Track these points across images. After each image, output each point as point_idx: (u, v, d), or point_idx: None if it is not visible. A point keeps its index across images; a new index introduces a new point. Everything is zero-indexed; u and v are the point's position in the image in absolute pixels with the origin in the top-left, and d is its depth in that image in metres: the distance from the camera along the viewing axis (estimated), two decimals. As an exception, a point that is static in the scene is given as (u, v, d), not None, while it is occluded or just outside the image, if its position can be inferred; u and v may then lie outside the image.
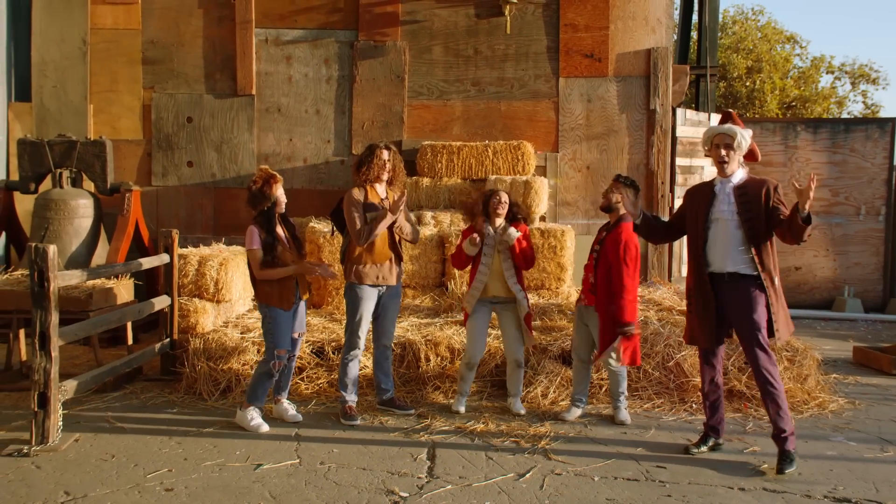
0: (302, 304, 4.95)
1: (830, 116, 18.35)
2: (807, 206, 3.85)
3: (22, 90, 8.77)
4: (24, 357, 5.94)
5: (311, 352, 5.69)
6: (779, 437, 4.13)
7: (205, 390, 5.43)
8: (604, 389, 5.41)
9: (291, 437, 4.62)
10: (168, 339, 5.94)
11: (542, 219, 8.02)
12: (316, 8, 8.67)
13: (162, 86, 8.73)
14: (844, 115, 19.43)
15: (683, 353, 5.49)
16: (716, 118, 9.39)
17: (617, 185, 4.85)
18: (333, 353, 5.63)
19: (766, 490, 3.88)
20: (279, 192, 4.76)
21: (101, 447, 4.40)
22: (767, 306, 4.12)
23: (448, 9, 8.61)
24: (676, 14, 10.91)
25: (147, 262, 5.88)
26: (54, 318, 4.34)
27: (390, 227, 4.94)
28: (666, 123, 8.57)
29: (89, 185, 7.56)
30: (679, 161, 8.89)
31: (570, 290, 7.23)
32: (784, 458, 4.11)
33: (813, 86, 19.06)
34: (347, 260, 4.97)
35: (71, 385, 4.55)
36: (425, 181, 8.14)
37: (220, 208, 8.74)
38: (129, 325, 6.08)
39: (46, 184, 7.46)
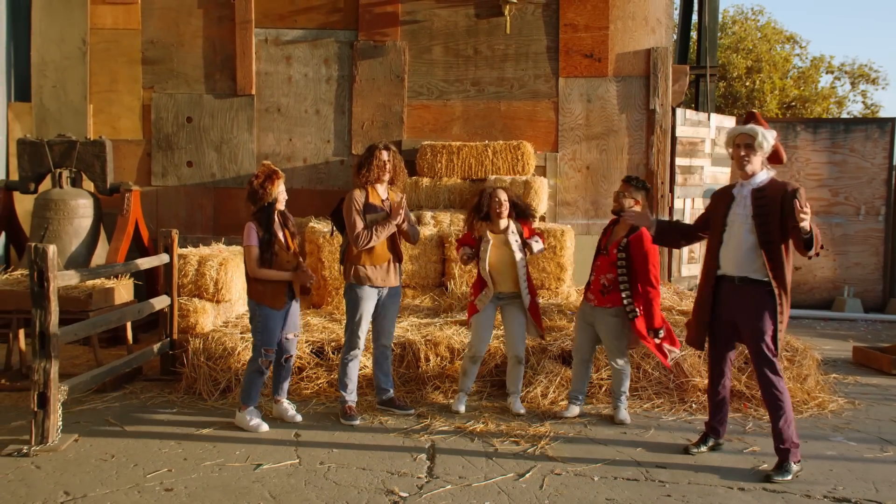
0: (295, 305, 4.93)
1: (830, 116, 18.35)
2: (807, 226, 3.77)
3: (22, 90, 8.78)
4: (23, 357, 5.94)
5: (311, 352, 5.68)
6: (780, 448, 4.05)
7: (204, 390, 5.43)
8: (604, 389, 5.41)
9: (291, 437, 4.62)
10: (168, 339, 5.94)
11: (542, 219, 8.01)
12: (316, 8, 8.67)
13: (162, 86, 8.73)
14: (844, 115, 19.41)
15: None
16: (715, 118, 9.40)
17: (627, 187, 4.83)
18: (333, 353, 5.62)
19: (766, 490, 3.88)
20: (280, 190, 4.75)
21: (100, 447, 4.40)
22: (774, 315, 4.01)
23: (448, 9, 8.61)
24: (676, 14, 10.90)
25: (147, 262, 5.88)
26: (54, 318, 4.34)
27: (390, 227, 4.94)
28: (666, 123, 8.56)
29: (89, 185, 7.56)
30: (679, 161, 8.89)
31: (569, 290, 7.23)
32: (781, 467, 4.03)
33: (813, 86, 19.05)
34: (347, 260, 4.96)
35: (71, 385, 4.55)
36: (425, 181, 8.14)
37: (219, 208, 8.74)
38: (129, 325, 6.08)
39: (46, 184, 7.46)
